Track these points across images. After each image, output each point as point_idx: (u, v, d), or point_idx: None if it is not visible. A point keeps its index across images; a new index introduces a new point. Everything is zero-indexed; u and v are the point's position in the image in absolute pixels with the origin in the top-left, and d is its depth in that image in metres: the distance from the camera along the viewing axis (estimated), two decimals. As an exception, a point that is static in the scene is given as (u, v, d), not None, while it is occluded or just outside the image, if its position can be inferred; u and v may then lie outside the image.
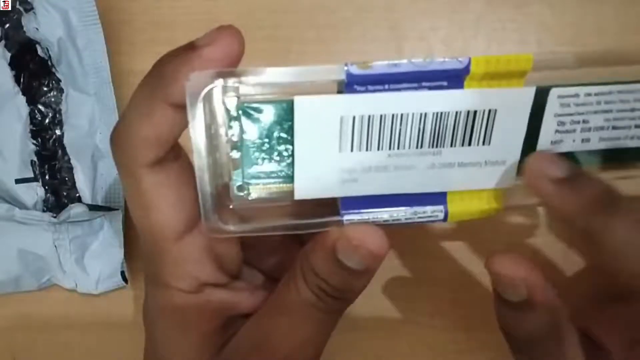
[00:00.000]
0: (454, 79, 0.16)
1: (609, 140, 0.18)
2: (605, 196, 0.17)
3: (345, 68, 0.16)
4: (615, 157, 0.18)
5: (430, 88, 0.16)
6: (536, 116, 0.17)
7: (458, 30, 0.28)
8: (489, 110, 0.17)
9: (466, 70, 0.16)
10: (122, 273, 0.27)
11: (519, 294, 0.18)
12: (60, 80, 0.28)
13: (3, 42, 0.27)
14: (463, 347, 0.28)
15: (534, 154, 0.18)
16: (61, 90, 0.28)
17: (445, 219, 0.18)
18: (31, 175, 0.28)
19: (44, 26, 0.26)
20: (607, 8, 0.27)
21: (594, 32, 0.27)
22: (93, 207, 0.26)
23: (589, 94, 0.17)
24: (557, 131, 0.18)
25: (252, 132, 0.17)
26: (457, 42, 0.28)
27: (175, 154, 0.18)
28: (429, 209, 0.18)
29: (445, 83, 0.16)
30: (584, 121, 0.18)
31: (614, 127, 0.18)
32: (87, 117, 0.27)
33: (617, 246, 0.16)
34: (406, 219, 0.18)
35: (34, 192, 0.28)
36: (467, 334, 0.28)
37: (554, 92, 0.17)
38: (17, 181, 0.27)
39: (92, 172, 0.27)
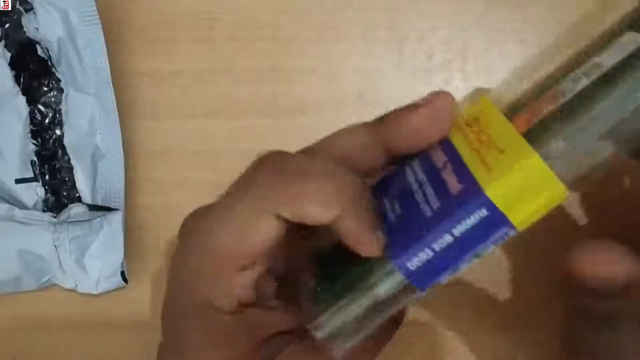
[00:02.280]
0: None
1: None
2: None
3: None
4: None
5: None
6: None
7: (458, 30, 0.28)
8: None
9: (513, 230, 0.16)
10: (122, 273, 0.27)
11: (615, 287, 0.16)
12: (60, 80, 0.28)
13: (3, 42, 0.27)
14: (463, 347, 0.28)
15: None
16: (61, 90, 0.28)
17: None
18: (31, 175, 0.28)
19: (44, 26, 0.26)
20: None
21: (594, 31, 0.27)
22: (93, 207, 0.26)
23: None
24: None
25: None
26: (457, 42, 0.28)
27: None
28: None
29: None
30: None
31: None
32: (87, 117, 0.27)
33: None
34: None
35: (34, 192, 0.28)
36: (467, 335, 0.28)
37: None
38: (17, 181, 0.27)
39: (92, 172, 0.27)
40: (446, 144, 0.19)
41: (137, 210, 0.28)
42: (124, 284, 0.28)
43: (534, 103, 0.18)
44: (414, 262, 0.16)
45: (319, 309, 0.17)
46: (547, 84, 0.18)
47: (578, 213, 0.27)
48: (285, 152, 0.18)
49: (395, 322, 0.21)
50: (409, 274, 0.16)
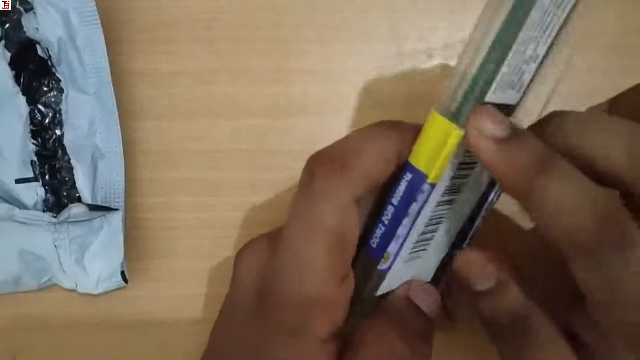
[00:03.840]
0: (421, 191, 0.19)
1: None
2: (541, 158, 0.17)
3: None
4: None
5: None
6: None
7: (458, 30, 0.28)
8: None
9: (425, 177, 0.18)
10: (122, 273, 0.27)
11: (489, 279, 0.20)
12: (60, 80, 0.28)
13: (3, 42, 0.27)
14: (461, 346, 0.28)
15: (475, 108, 0.18)
16: (61, 90, 0.28)
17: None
18: (31, 175, 0.28)
19: (44, 26, 0.26)
20: (609, 8, 0.27)
21: (594, 32, 0.27)
22: (93, 207, 0.27)
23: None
24: None
25: None
26: (457, 42, 0.28)
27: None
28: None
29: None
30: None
31: None
32: (87, 117, 0.27)
33: (551, 204, 0.17)
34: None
35: (34, 192, 0.28)
36: (465, 335, 0.28)
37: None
38: (17, 181, 0.27)
39: (92, 172, 0.27)
40: None
41: (137, 210, 0.28)
42: (124, 284, 0.28)
43: None
44: (374, 240, 0.20)
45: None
46: None
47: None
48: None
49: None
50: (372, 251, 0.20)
